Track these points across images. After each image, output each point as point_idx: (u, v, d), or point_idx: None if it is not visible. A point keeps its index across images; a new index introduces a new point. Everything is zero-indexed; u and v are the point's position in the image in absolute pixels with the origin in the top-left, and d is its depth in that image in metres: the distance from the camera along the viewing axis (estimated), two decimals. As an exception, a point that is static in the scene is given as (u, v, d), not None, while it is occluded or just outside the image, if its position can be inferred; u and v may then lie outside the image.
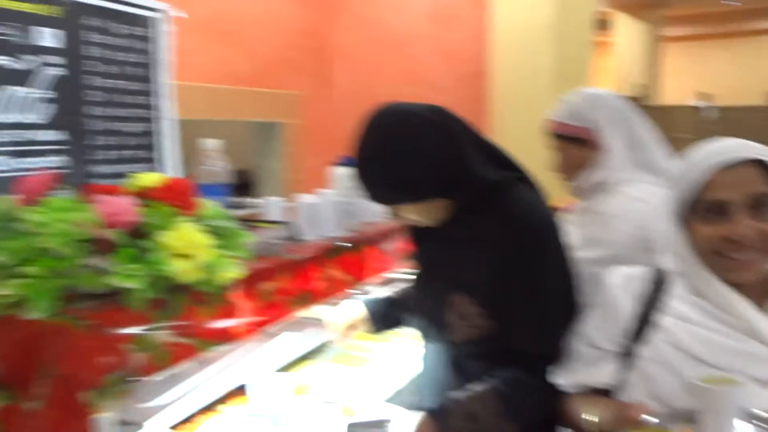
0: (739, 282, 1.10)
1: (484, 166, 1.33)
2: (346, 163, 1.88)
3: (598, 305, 1.23)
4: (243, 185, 3.86)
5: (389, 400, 1.75)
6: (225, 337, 1.34)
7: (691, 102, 3.88)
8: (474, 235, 1.33)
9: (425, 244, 1.47)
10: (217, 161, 1.72)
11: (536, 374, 1.28)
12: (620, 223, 1.58)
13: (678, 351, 1.09)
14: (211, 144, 1.73)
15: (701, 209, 1.10)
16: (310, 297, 1.65)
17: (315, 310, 1.72)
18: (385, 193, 1.31)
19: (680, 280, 1.15)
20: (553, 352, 1.27)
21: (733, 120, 4.40)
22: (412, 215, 1.35)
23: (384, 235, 1.99)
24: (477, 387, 1.27)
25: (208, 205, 1.33)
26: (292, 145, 3.99)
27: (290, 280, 1.56)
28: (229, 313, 1.35)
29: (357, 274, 1.86)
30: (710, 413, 0.97)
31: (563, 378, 1.23)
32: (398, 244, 1.97)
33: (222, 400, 1.64)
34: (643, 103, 5.35)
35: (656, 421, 1.02)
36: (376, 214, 1.95)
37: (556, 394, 1.24)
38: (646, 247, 1.47)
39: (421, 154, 1.26)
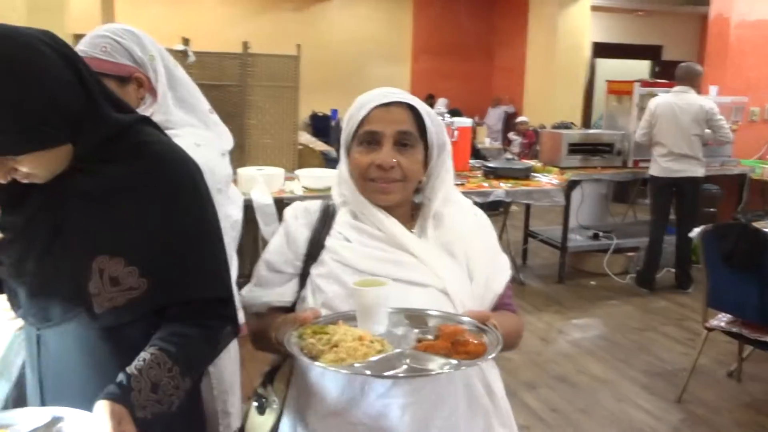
0: (383, 204, 1.31)
1: (107, 103, 1.14)
2: None
3: (279, 235, 1.36)
4: None
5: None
6: None
7: (176, 46, 4.04)
8: (112, 186, 1.13)
9: (23, 207, 1.17)
10: None
11: (214, 319, 1.21)
12: None
13: (343, 265, 1.28)
14: None
15: (360, 139, 1.29)
16: None
17: None
18: None
19: (345, 209, 1.35)
20: (230, 292, 1.24)
21: (263, 64, 4.63)
22: (26, 168, 1.07)
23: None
24: (143, 354, 1.10)
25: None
26: None
27: None
28: None
29: None
30: (363, 309, 1.16)
31: (247, 300, 1.35)
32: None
33: None
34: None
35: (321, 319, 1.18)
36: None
37: (224, 337, 1.26)
38: (217, 189, 1.60)
39: (43, 87, 1.03)
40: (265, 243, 1.63)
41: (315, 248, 1.31)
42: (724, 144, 5.40)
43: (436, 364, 1.08)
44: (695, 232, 3.36)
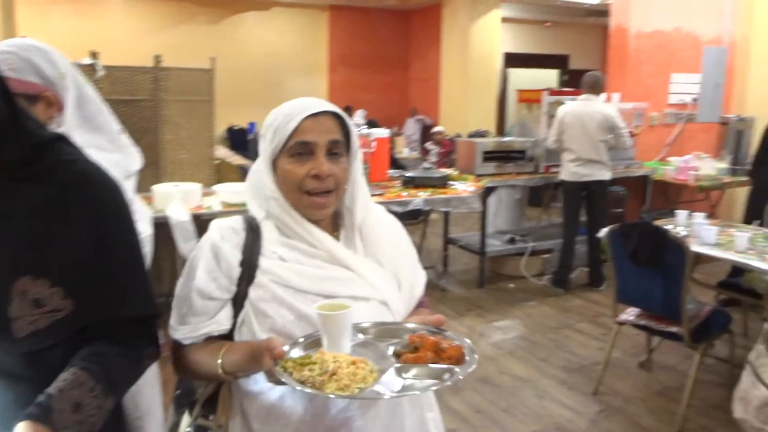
0: (318, 219, 1.31)
1: (28, 119, 1.12)
2: None
3: (206, 258, 1.28)
4: None
5: None
6: None
7: (84, 60, 4.11)
8: (33, 205, 1.10)
9: None
10: None
11: (135, 338, 1.18)
12: None
13: (284, 287, 1.25)
14: None
15: (291, 151, 1.27)
16: None
17: None
18: None
19: (270, 224, 1.32)
20: (153, 310, 1.21)
21: (176, 78, 4.61)
22: None
23: None
24: (64, 375, 1.07)
25: None
26: None
27: None
28: None
29: None
30: (331, 334, 1.14)
31: (183, 333, 1.28)
32: None
33: None
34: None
35: (297, 350, 1.15)
36: None
37: (150, 355, 1.23)
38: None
39: None
40: (184, 261, 1.58)
41: (249, 270, 1.27)
42: (624, 149, 5.71)
43: (433, 373, 1.10)
44: (603, 233, 3.53)
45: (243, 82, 11.74)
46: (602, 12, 10.42)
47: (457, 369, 1.10)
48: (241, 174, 5.91)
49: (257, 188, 1.34)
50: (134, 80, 4.46)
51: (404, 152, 10.31)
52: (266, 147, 1.30)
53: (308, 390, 1.06)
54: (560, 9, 13.47)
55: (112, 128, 1.73)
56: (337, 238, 1.35)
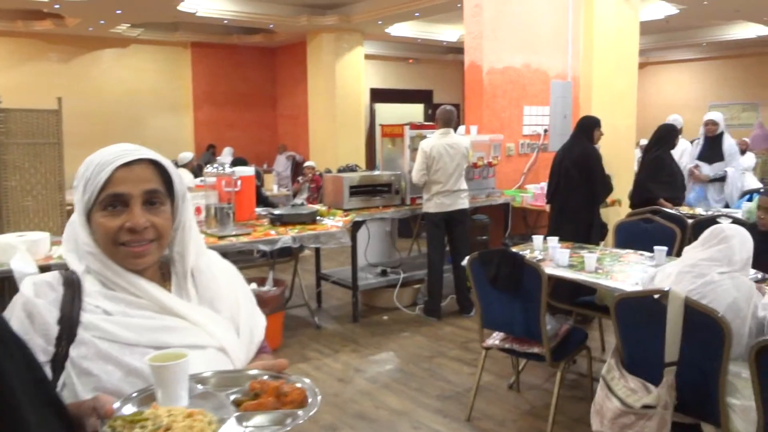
0: (139, 269, 1.24)
1: None
2: None
3: (18, 319, 1.18)
4: None
5: None
6: None
7: None
8: None
9: None
10: None
11: None
12: None
13: (110, 342, 1.17)
14: None
15: (104, 204, 1.21)
16: None
17: None
18: None
19: (90, 277, 1.23)
20: None
21: (20, 120, 4.49)
22: None
23: None
24: None
25: None
26: None
27: None
28: None
29: None
30: (165, 385, 1.07)
31: None
32: None
33: None
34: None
35: (129, 407, 1.07)
36: None
37: None
38: None
39: None
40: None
41: (69, 328, 1.17)
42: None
43: (276, 418, 1.06)
44: (465, 261, 3.64)
45: (101, 122, 11.21)
46: (460, 49, 10.97)
47: (299, 412, 1.08)
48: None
49: (74, 241, 1.26)
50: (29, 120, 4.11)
51: (274, 189, 10.21)
52: (79, 199, 1.23)
53: None
54: (421, 46, 14.04)
55: None
56: (167, 287, 1.29)
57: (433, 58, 14.96)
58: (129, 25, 11.30)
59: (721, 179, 6.21)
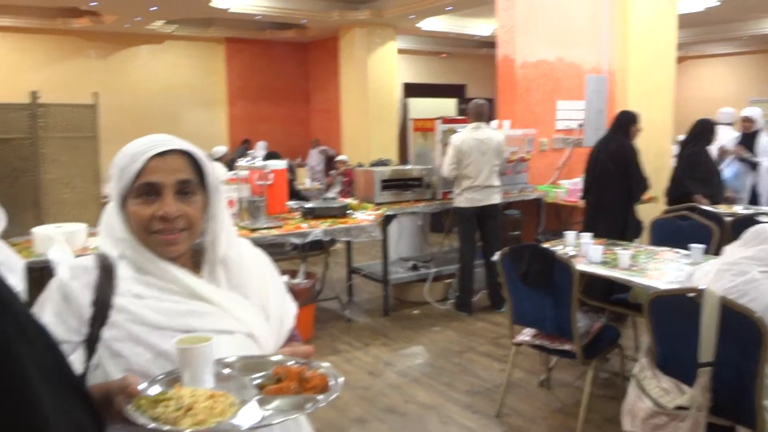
0: (171, 256, 1.27)
1: None
2: None
3: (52, 300, 1.22)
4: None
5: None
6: None
7: None
8: None
9: None
10: None
11: None
12: None
13: (140, 325, 1.20)
14: None
15: (138, 192, 1.25)
16: None
17: None
18: None
19: (124, 263, 1.26)
20: None
21: (58, 115, 4.49)
22: None
23: None
24: None
25: None
26: None
27: None
28: None
29: None
30: (191, 368, 1.11)
31: None
32: None
33: None
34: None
35: (156, 388, 1.10)
36: None
37: None
38: None
39: None
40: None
41: (102, 310, 1.20)
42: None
43: (296, 402, 1.09)
44: (496, 256, 3.62)
45: (137, 117, 11.38)
46: (493, 44, 10.88)
47: (319, 397, 1.10)
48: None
49: (110, 228, 1.30)
50: (8, 118, 4.22)
51: (306, 183, 10.26)
52: (114, 187, 1.27)
53: (162, 427, 1.01)
54: (454, 41, 13.96)
55: None
56: (199, 274, 1.32)
57: (466, 52, 14.86)
58: (164, 21, 11.46)
59: (752, 165, 6.10)
